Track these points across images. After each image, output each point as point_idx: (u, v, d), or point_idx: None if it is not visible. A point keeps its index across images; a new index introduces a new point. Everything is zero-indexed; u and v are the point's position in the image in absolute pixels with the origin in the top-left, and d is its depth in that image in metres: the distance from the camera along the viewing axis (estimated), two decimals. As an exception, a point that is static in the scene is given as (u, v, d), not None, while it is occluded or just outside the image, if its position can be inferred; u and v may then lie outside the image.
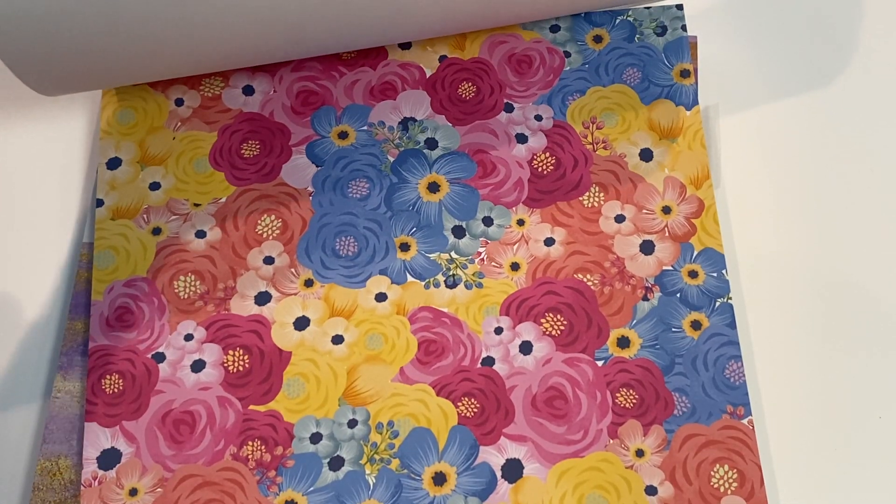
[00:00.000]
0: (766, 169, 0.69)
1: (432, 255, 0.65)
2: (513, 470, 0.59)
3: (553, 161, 0.67)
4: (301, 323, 0.63)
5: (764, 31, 0.74)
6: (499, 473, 0.59)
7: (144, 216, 0.65)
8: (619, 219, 0.65)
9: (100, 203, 0.66)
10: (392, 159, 0.67)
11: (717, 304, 0.63)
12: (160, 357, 0.62)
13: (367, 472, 0.59)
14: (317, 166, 0.67)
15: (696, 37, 0.71)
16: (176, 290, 0.63)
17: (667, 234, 0.65)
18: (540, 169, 0.67)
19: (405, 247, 0.65)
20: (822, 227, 0.68)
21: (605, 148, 0.67)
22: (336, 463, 0.60)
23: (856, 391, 0.63)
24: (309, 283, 0.64)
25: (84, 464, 0.59)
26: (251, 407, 0.61)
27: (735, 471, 0.59)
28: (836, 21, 0.74)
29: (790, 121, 0.71)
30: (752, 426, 0.60)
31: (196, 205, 0.66)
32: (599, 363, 0.62)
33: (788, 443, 0.62)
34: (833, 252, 0.67)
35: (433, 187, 0.66)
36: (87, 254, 0.65)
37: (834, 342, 0.64)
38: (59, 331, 0.65)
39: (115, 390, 0.61)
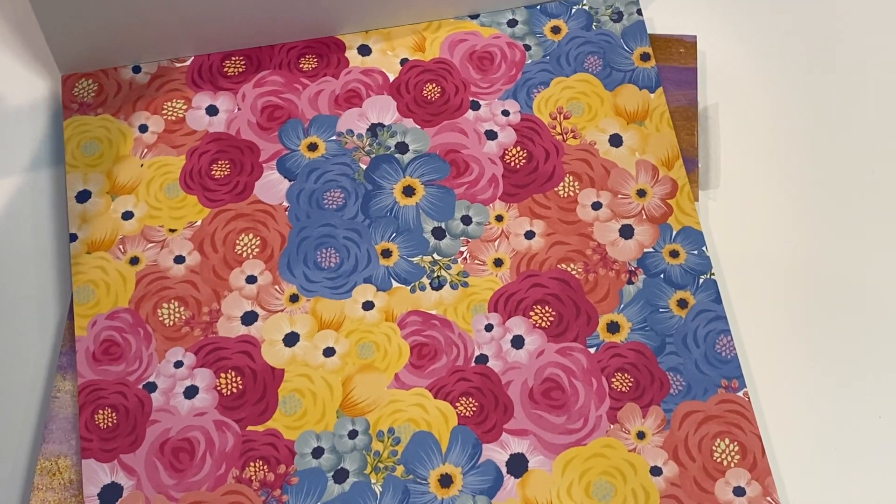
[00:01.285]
0: (765, 168, 0.69)
1: (415, 259, 0.65)
2: (518, 464, 0.60)
3: (525, 155, 0.67)
4: (290, 339, 0.63)
5: (764, 31, 0.74)
6: (504, 469, 0.60)
7: (120, 247, 0.65)
8: (596, 206, 0.66)
9: (73, 237, 0.65)
10: (364, 167, 0.67)
11: (701, 280, 0.64)
12: (152, 387, 0.61)
13: (373, 481, 0.59)
14: (289, 180, 0.66)
15: (695, 36, 0.72)
16: (160, 318, 0.63)
17: (644, 216, 0.66)
18: (512, 164, 0.67)
19: (387, 253, 0.65)
20: (822, 227, 0.68)
21: (574, 137, 0.68)
22: (340, 475, 0.59)
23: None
24: (294, 299, 0.63)
25: (86, 502, 0.58)
26: (249, 428, 0.60)
27: (736, 443, 0.60)
28: (835, 21, 0.74)
29: (789, 120, 0.71)
30: (748, 398, 0.61)
31: (172, 230, 0.65)
32: (592, 350, 0.62)
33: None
34: (833, 252, 0.67)
35: (408, 191, 0.66)
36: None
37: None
38: (58, 331, 0.64)
39: (109, 424, 0.60)
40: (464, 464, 0.60)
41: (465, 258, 0.65)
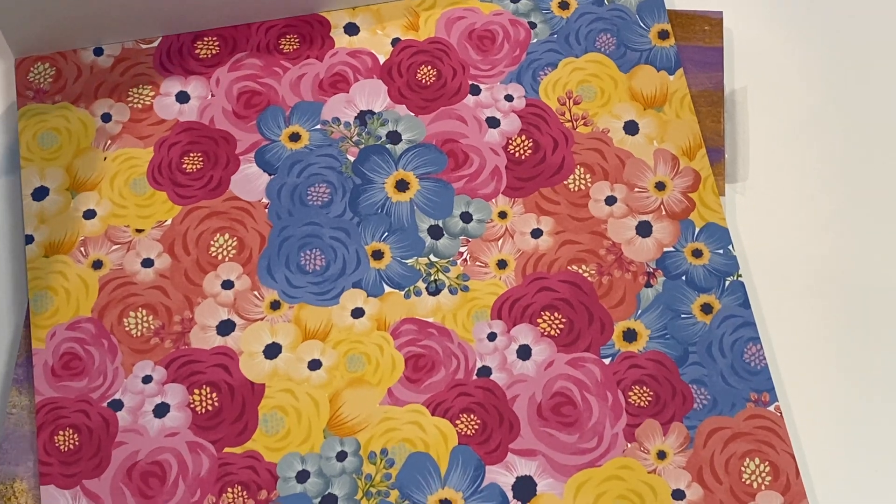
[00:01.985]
0: (798, 159, 0.67)
1: (409, 261, 0.63)
2: (525, 488, 0.58)
3: (530, 144, 0.65)
4: (272, 350, 0.61)
5: (797, 7, 0.72)
6: (510, 494, 0.58)
7: (82, 249, 0.63)
8: (610, 200, 0.64)
9: (29, 239, 0.63)
10: (353, 159, 0.65)
11: (727, 283, 0.62)
12: (117, 405, 0.60)
13: (365, 508, 0.58)
14: (269, 174, 0.65)
15: (721, 12, 0.69)
16: (127, 329, 0.61)
17: (664, 212, 0.64)
18: (517, 154, 0.65)
19: (378, 254, 0.63)
20: (860, 224, 0.66)
21: (585, 124, 0.66)
22: (328, 501, 0.58)
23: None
24: (276, 306, 0.62)
25: (45, 534, 0.57)
26: (226, 450, 0.59)
27: (767, 463, 0.58)
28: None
29: (825, 105, 0.69)
30: (780, 413, 0.58)
31: (138, 230, 0.64)
32: (606, 361, 0.60)
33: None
34: (872, 252, 0.65)
35: (401, 185, 0.64)
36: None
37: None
38: (14, 341, 0.63)
39: (71, 447, 0.59)
40: (465, 488, 0.58)
41: (465, 259, 0.63)
